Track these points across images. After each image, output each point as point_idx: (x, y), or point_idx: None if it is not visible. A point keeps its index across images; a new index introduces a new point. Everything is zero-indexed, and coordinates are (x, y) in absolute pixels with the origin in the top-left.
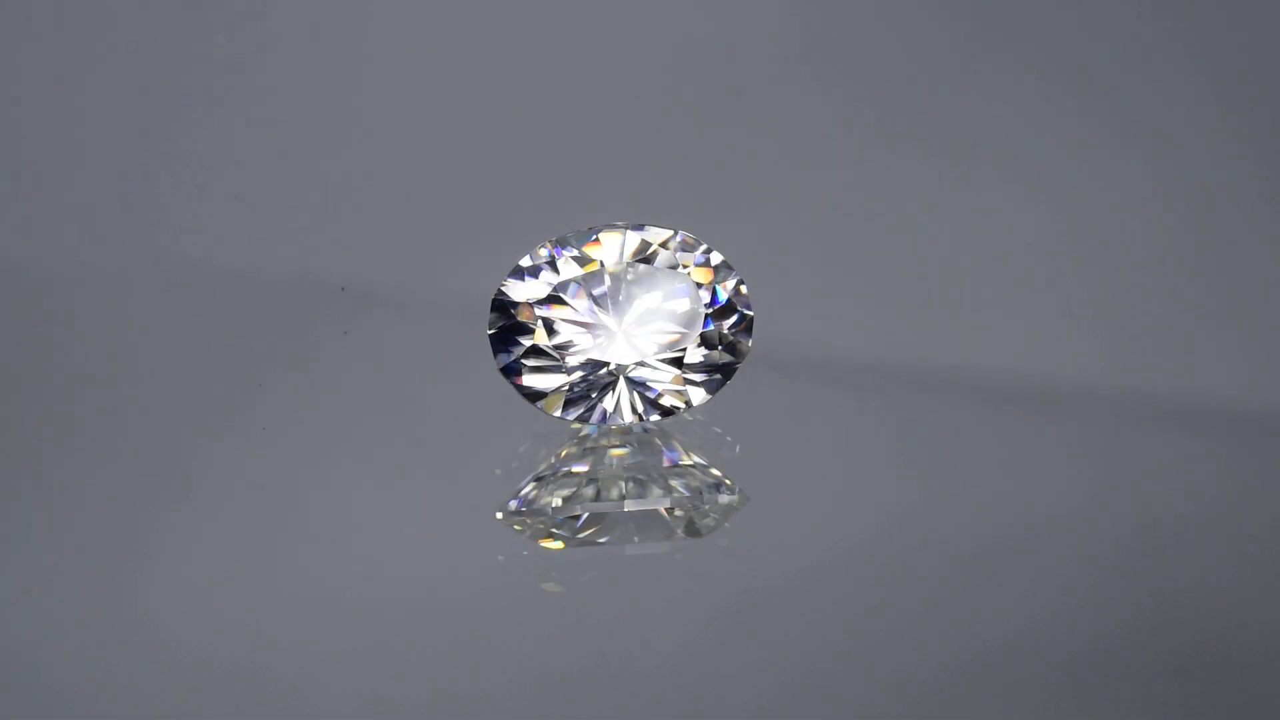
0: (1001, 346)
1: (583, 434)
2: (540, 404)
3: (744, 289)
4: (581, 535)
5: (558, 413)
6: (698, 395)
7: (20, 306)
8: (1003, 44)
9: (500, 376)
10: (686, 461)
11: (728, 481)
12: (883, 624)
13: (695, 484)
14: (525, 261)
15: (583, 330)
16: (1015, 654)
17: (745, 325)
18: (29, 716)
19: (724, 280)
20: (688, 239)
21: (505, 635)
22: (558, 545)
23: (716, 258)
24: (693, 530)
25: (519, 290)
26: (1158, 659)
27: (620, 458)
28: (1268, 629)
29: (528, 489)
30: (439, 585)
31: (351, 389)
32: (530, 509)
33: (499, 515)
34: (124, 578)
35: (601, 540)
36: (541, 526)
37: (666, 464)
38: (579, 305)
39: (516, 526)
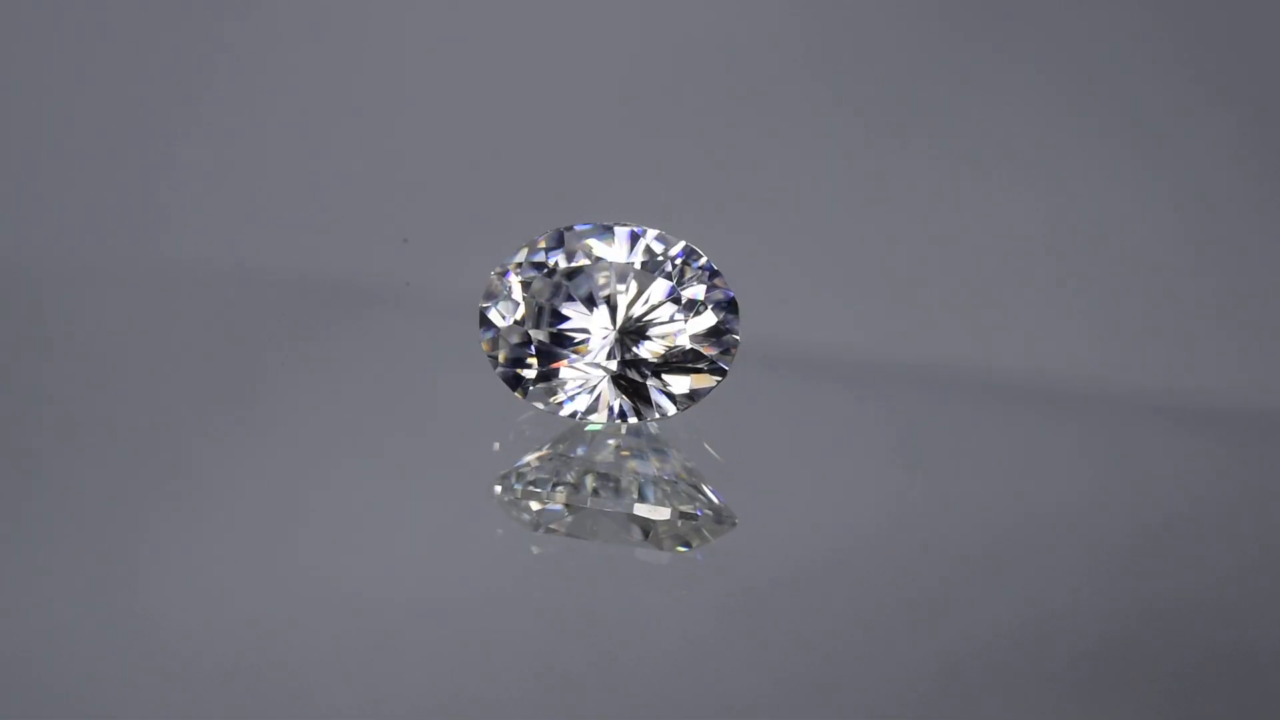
0: (999, 346)
1: (582, 427)
2: (518, 391)
3: (736, 310)
4: (567, 529)
5: (537, 403)
6: (677, 405)
7: (20, 306)
8: (1001, 42)
9: (498, 376)
10: (674, 470)
11: (712, 497)
12: (882, 624)
13: (679, 494)
14: (527, 249)
15: (575, 326)
16: (1015, 654)
17: (731, 346)
18: (28, 716)
19: (718, 297)
20: (691, 250)
21: (504, 634)
22: (546, 532)
23: (721, 283)
24: (675, 541)
25: (516, 275)
26: (1158, 659)
27: (608, 457)
28: (1268, 629)
29: (521, 472)
30: (438, 583)
31: (351, 388)
32: (521, 488)
33: (495, 489)
34: (122, 576)
35: (585, 537)
36: (528, 515)
37: (652, 470)
38: (575, 300)
39: (504, 502)
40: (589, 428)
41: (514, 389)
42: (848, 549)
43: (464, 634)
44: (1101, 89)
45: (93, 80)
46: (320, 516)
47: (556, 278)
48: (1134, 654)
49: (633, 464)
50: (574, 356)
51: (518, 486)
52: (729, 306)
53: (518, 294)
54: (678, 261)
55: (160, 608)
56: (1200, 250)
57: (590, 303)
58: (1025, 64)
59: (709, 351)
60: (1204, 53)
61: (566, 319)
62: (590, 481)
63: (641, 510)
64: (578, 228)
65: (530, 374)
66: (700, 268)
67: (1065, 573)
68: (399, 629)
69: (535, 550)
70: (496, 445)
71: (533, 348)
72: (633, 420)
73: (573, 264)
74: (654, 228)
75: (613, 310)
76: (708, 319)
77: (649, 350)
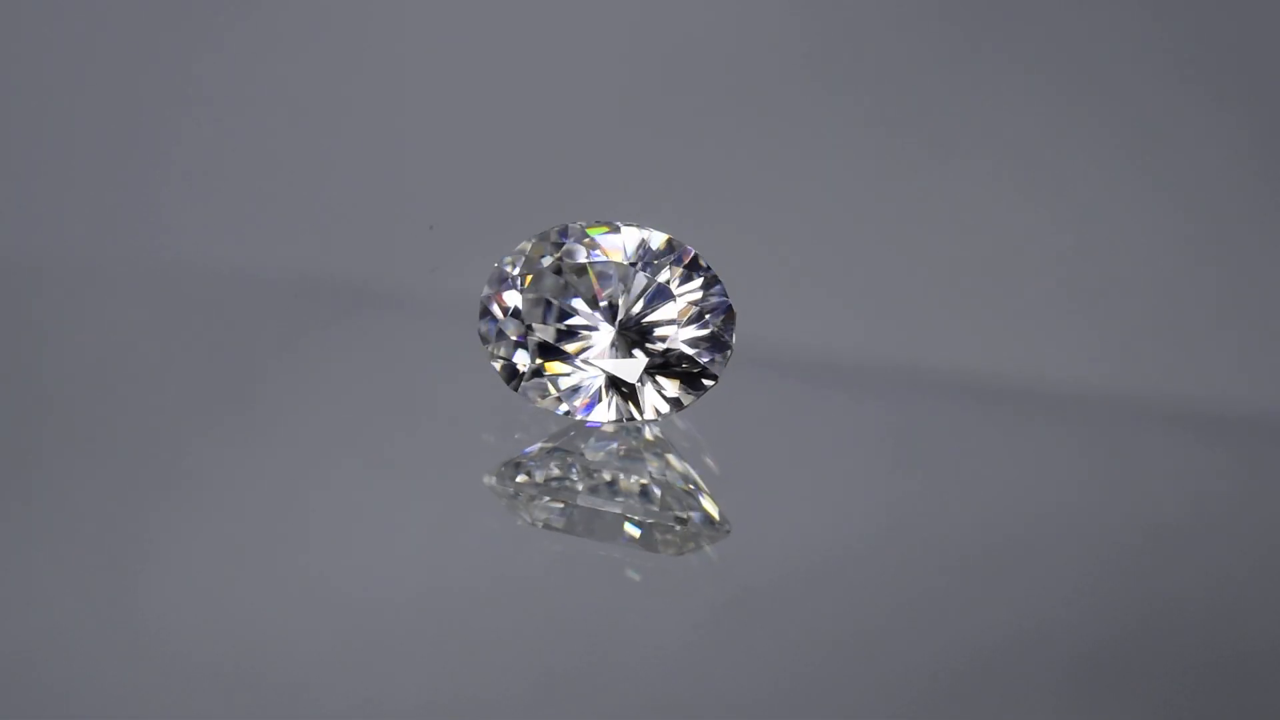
0: (998, 348)
1: (579, 425)
2: (515, 385)
3: (733, 314)
4: (564, 528)
5: (534, 399)
6: (670, 406)
7: (20, 306)
8: (1000, 41)
9: (496, 372)
10: (671, 473)
11: (709, 501)
12: (880, 628)
13: (676, 496)
14: (531, 244)
15: (575, 324)
16: (1014, 658)
17: (726, 350)
18: (28, 716)
19: (715, 306)
20: (691, 253)
21: (502, 633)
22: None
23: (718, 287)
24: (671, 543)
25: (520, 270)
26: (1157, 662)
27: (606, 456)
28: (1268, 631)
29: (518, 466)
30: (435, 582)
31: (349, 388)
32: (518, 486)
33: (489, 480)
34: (122, 576)
35: (582, 536)
36: (525, 513)
37: (649, 471)
38: (575, 298)
39: (499, 495)
40: (587, 426)
41: (511, 383)
42: (846, 552)
43: (462, 633)
44: (1102, 90)
45: (92, 81)
46: (320, 516)
47: (558, 275)
48: (1133, 657)
49: (630, 464)
50: (572, 354)
51: (515, 484)
52: (726, 310)
53: (520, 289)
54: (678, 264)
55: (160, 607)
56: (1200, 251)
57: (591, 301)
58: (1025, 65)
59: (704, 355)
60: (1204, 53)
61: (567, 316)
62: (588, 480)
63: (638, 511)
64: (582, 225)
65: (528, 369)
66: (700, 271)
67: (1064, 576)
68: (398, 628)
69: (533, 549)
70: (491, 438)
71: (532, 343)
72: (629, 420)
73: (575, 262)
74: (655, 228)
75: (612, 310)
76: (705, 323)
77: (646, 351)
